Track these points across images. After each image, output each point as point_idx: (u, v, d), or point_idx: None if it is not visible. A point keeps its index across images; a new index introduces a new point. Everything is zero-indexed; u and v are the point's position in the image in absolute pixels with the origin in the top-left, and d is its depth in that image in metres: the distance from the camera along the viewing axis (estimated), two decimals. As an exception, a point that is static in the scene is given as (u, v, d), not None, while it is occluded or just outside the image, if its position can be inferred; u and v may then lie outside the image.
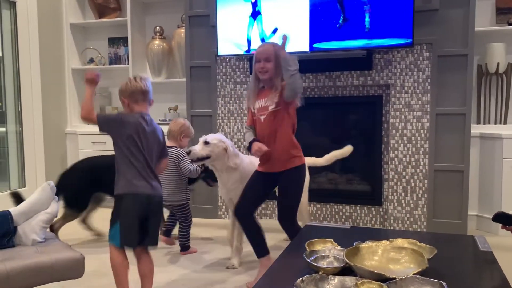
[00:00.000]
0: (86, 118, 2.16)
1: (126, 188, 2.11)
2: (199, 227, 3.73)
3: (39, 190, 2.16)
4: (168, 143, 2.98)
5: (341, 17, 3.39)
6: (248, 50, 3.66)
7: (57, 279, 1.91)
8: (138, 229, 2.11)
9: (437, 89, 3.41)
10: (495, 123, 3.62)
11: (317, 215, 3.80)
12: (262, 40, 3.59)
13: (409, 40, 3.28)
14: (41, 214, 2.11)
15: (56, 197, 2.21)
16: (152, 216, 2.16)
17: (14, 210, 2.08)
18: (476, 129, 3.53)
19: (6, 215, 2.04)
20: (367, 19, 3.35)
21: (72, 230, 3.01)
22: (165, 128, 4.11)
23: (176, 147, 3.08)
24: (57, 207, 2.19)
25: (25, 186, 4.16)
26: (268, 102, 2.38)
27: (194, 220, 3.94)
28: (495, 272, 1.60)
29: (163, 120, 4.35)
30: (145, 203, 2.11)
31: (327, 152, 3.26)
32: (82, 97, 4.56)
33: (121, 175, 2.14)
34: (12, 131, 4.20)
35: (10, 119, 4.18)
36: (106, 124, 2.17)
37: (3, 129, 4.18)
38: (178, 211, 3.11)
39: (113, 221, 2.16)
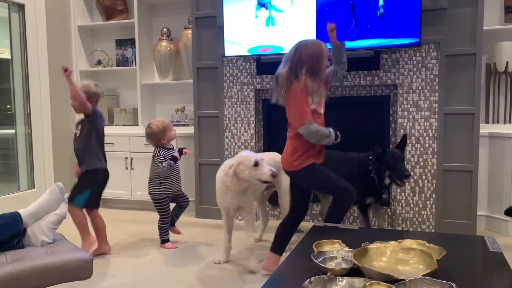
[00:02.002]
0: (82, 110, 2.90)
1: (98, 165, 3.00)
2: (206, 228, 3.74)
3: (48, 192, 2.18)
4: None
5: (355, 27, 3.40)
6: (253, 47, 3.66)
7: (66, 280, 1.92)
8: None
9: (445, 88, 3.39)
10: (504, 123, 3.59)
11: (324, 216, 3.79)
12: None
13: (417, 40, 3.26)
14: (50, 215, 2.12)
15: (66, 198, 2.23)
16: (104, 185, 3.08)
17: (24, 211, 2.09)
18: (485, 129, 3.50)
19: (16, 216, 2.06)
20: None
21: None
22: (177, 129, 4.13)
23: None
24: (66, 208, 2.20)
25: (34, 188, 4.19)
26: (321, 98, 2.53)
27: (202, 221, 3.97)
28: (505, 273, 1.58)
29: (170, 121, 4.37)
30: (107, 176, 3.08)
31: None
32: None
33: (95, 155, 2.98)
34: (21, 133, 4.24)
35: (19, 121, 4.22)
36: (94, 115, 2.93)
37: (12, 131, 4.22)
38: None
39: (83, 189, 2.97)
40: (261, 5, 3.61)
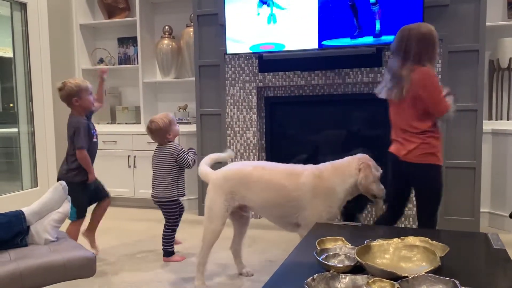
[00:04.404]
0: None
1: None
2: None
3: (51, 190, 2.18)
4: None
5: (357, 29, 3.39)
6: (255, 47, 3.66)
7: (69, 278, 1.93)
8: None
9: (448, 85, 3.35)
10: (508, 119, 3.58)
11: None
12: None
13: (419, 36, 3.25)
14: (53, 214, 2.12)
15: (69, 196, 2.23)
16: None
17: (27, 209, 2.09)
18: (488, 125, 3.48)
19: (19, 214, 2.06)
20: (377, 27, 3.33)
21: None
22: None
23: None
24: (69, 207, 2.20)
25: (37, 186, 4.20)
26: None
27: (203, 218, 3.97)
28: (509, 270, 1.58)
29: (172, 119, 4.37)
30: None
31: (336, 150, 3.23)
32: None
33: None
34: (24, 132, 4.24)
35: (22, 119, 4.22)
36: None
37: (15, 130, 4.23)
38: (166, 208, 2.97)
39: None
40: (262, 2, 3.60)
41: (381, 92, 2.43)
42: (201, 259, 2.48)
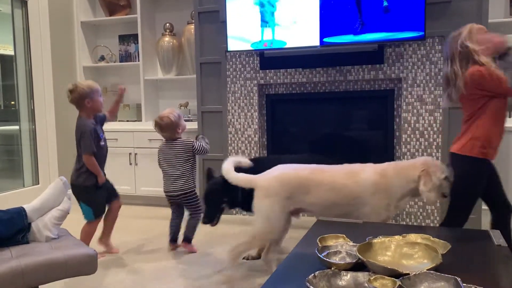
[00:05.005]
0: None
1: None
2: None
3: (52, 186, 2.17)
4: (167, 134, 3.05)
5: (359, 22, 3.37)
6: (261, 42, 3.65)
7: (70, 275, 1.93)
8: None
9: (450, 82, 3.36)
10: (509, 117, 3.56)
11: (328, 211, 3.79)
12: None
13: (421, 33, 3.24)
14: (54, 211, 2.12)
15: (69, 193, 2.22)
16: None
17: (28, 206, 2.09)
18: (490, 123, 3.47)
19: (20, 211, 2.06)
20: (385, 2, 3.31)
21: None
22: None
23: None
24: (69, 204, 2.20)
25: (38, 183, 4.21)
26: None
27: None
28: (511, 267, 1.57)
29: (173, 117, 4.37)
30: None
31: (337, 147, 3.22)
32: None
33: None
34: (25, 129, 4.25)
35: (23, 117, 4.23)
36: None
37: (17, 127, 4.23)
38: (190, 199, 3.06)
39: None
40: (264, 22, 3.60)
41: (444, 100, 2.50)
42: (242, 253, 2.50)
